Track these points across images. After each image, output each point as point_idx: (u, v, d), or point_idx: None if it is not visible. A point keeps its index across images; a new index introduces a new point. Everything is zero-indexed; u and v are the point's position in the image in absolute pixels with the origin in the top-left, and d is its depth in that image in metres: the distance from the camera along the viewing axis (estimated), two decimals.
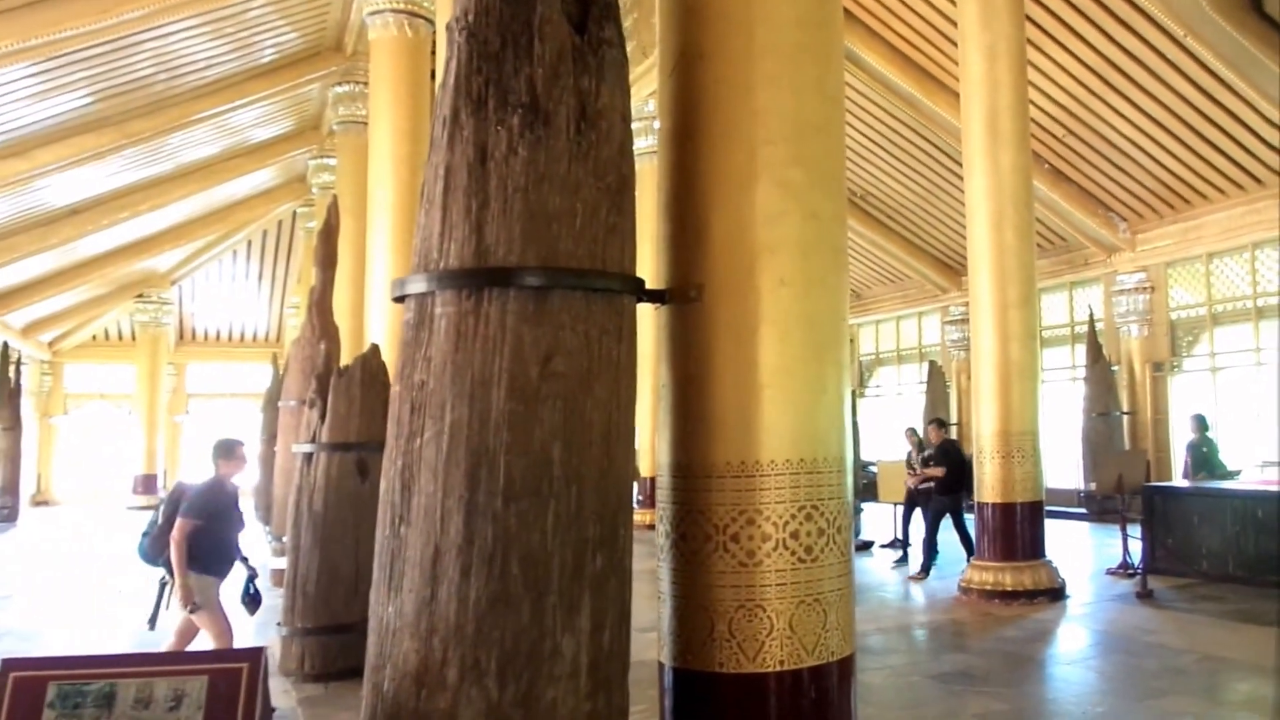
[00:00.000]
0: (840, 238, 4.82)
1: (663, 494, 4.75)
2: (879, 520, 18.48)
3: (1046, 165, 20.49)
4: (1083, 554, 16.27)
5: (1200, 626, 10.99)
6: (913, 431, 17.45)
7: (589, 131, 4.01)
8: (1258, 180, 18.70)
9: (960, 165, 13.98)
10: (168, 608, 8.12)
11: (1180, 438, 20.94)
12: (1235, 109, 17.18)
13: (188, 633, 8.11)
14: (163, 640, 8.13)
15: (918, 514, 15.60)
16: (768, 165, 4.53)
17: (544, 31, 3.98)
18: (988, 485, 12.72)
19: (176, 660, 4.40)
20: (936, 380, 25.60)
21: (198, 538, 7.79)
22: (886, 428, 27.84)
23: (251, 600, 8.47)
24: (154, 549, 8.13)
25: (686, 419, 4.63)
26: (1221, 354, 20.48)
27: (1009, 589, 12.31)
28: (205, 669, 4.17)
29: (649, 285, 4.42)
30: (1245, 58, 15.54)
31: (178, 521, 7.81)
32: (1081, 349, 22.27)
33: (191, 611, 7.83)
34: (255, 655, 4.30)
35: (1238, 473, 15.91)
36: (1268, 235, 19.02)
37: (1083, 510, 20.49)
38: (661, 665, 4.75)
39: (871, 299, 30.12)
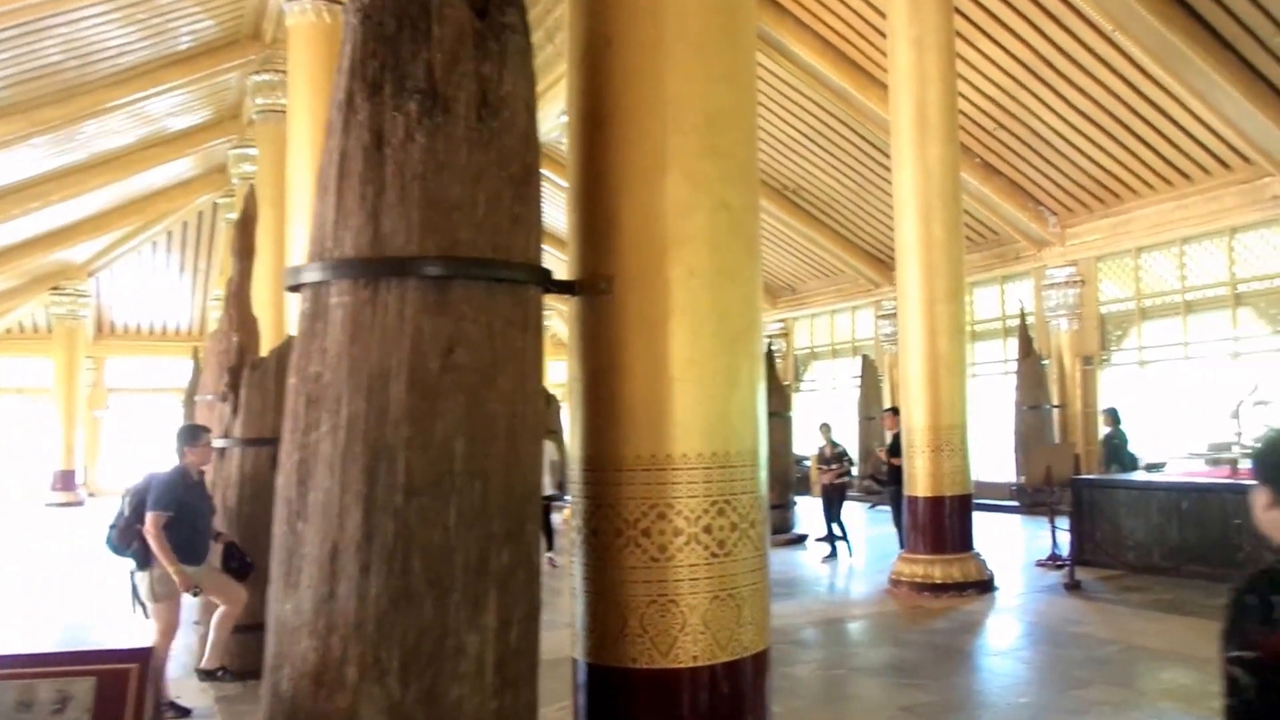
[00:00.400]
0: (752, 229, 4.76)
1: (575, 488, 4.68)
2: (814, 514, 18.50)
3: (977, 159, 20.59)
4: (1014, 546, 16.37)
5: (1124, 617, 11.07)
6: (826, 427, 17.23)
7: (491, 119, 3.91)
8: (1186, 176, 18.89)
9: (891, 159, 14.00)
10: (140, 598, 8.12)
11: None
12: (1164, 105, 17.33)
13: (169, 626, 8.15)
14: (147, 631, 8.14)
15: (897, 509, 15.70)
16: (677, 156, 4.46)
17: (442, 14, 3.87)
18: (917, 479, 12.76)
19: (61, 661, 4.23)
20: (870, 374, 25.67)
21: (169, 528, 7.78)
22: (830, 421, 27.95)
23: (239, 571, 8.51)
24: (121, 540, 8.07)
25: (597, 412, 4.55)
26: (1150, 347, 20.68)
27: (938, 582, 12.35)
28: (93, 670, 4.01)
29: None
30: (1173, 53, 15.67)
31: (148, 516, 7.77)
32: (1013, 343, 22.41)
33: (157, 601, 7.90)
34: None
35: (1160, 465, 16.03)
36: (1196, 230, 19.22)
37: (1015, 503, 20.59)
38: (575, 661, 4.68)
39: (805, 293, 30.20)
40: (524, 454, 3.99)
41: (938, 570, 12.41)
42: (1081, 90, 17.80)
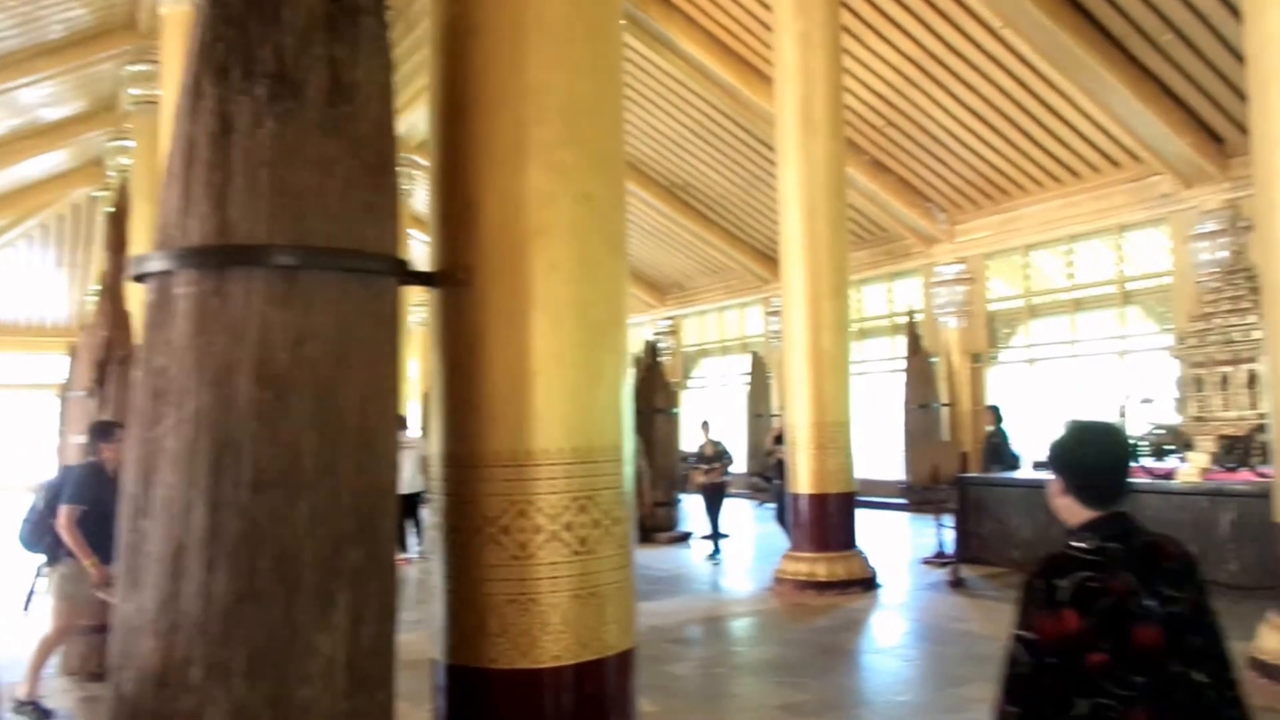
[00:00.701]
0: (617, 222, 4.70)
1: (435, 485, 4.59)
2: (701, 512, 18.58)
3: (867, 156, 20.75)
4: (900, 544, 16.54)
5: (1007, 614, 10.93)
6: (706, 425, 16.99)
7: (343, 104, 3.80)
8: (1075, 174, 19.15)
9: None
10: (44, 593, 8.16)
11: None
12: (1053, 102, 17.56)
13: (67, 626, 8.10)
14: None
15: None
16: (539, 145, 4.39)
17: None
18: (801, 476, 12.80)
19: None
20: (759, 372, 25.75)
21: (82, 524, 7.69)
22: (711, 419, 28.01)
23: None
24: (34, 535, 8.05)
25: (457, 407, 4.47)
26: (1038, 345, 20.97)
27: (822, 579, 12.41)
28: None
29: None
30: (1062, 50, 15.86)
31: (61, 509, 7.70)
32: (902, 340, 22.47)
33: (62, 599, 7.94)
34: None
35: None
36: (1084, 228, 19.51)
37: (903, 501, 20.78)
38: (435, 662, 4.59)
39: (694, 290, 30.27)
40: (378, 450, 3.89)
41: (821, 568, 12.47)
42: (971, 87, 17.99)
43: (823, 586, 12.37)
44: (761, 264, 26.32)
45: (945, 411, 21.36)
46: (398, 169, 4.04)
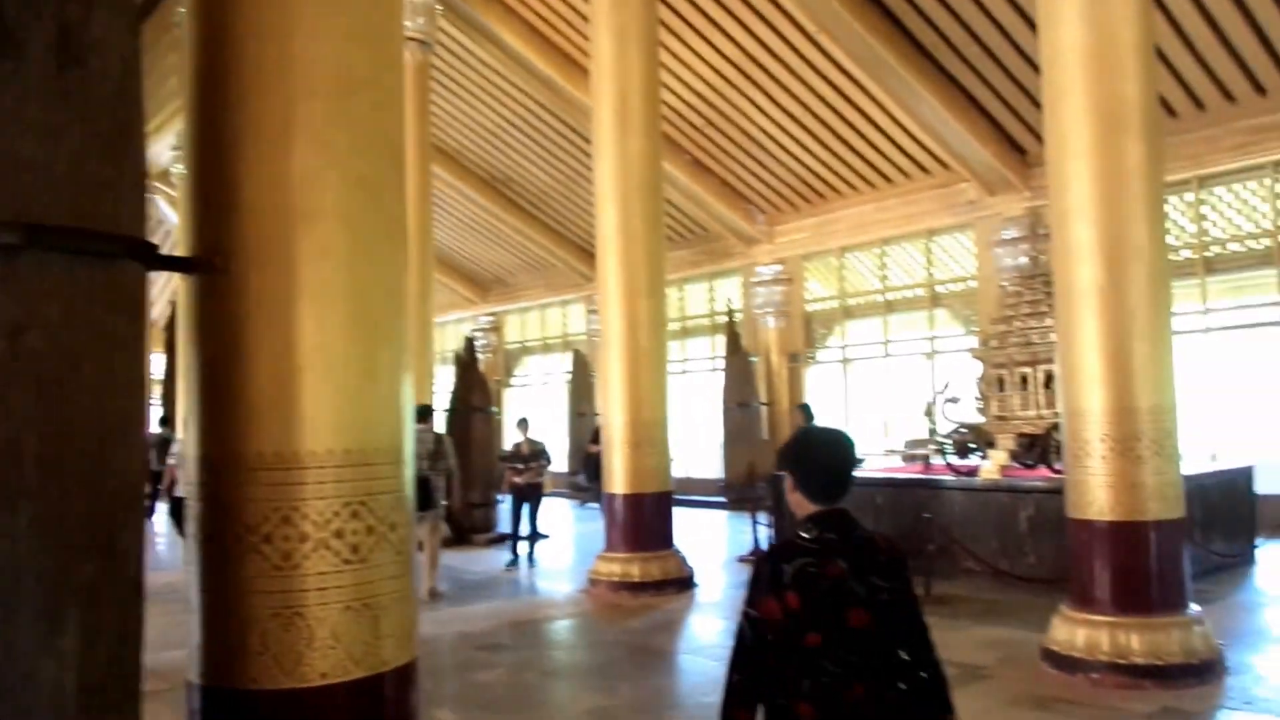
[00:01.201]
0: (397, 207, 4.35)
1: (190, 490, 4.19)
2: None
3: (688, 156, 20.72)
4: (718, 542, 16.44)
5: None
6: (524, 423, 16.10)
7: (75, 68, 3.40)
8: (887, 179, 19.46)
9: None
10: None
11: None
12: (866, 108, 17.76)
13: None
14: None
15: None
16: (306, 122, 4.00)
17: None
18: (616, 476, 12.58)
19: None
20: (581, 369, 25.54)
21: None
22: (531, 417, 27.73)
23: None
24: None
25: (214, 405, 4.06)
26: (853, 345, 21.19)
27: (637, 580, 12.21)
28: None
29: None
30: (874, 58, 16.01)
31: None
32: (723, 339, 22.56)
33: None
34: None
35: (859, 461, 16.34)
36: (896, 232, 19.79)
37: (723, 499, 20.78)
38: (189, 684, 4.18)
39: (516, 286, 29.91)
40: (119, 454, 3.48)
41: (636, 568, 12.28)
42: (788, 91, 18.05)
43: (638, 587, 12.17)
44: (584, 261, 26.08)
45: (764, 410, 21.47)
46: (143, 141, 3.63)
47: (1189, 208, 16.30)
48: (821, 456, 3.41)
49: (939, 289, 19.56)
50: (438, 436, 13.71)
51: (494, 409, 19.71)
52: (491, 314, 30.61)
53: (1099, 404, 8.15)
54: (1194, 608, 8.22)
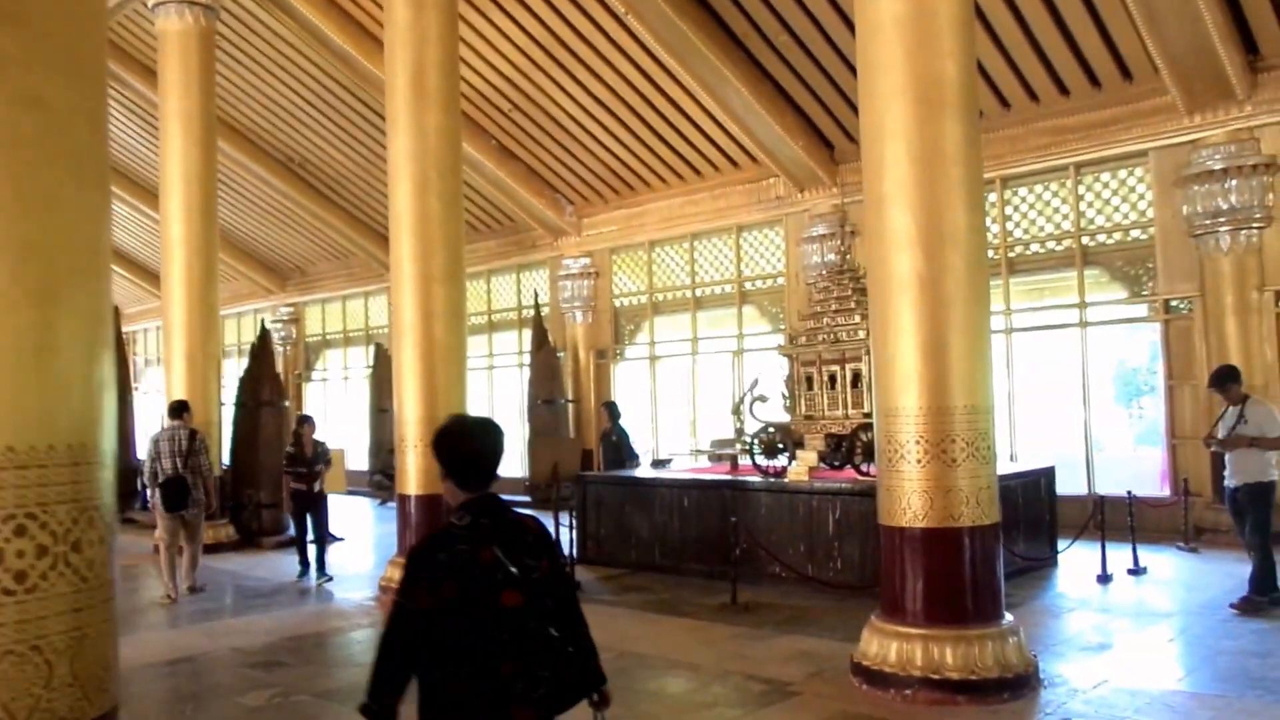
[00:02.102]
0: (91, 143, 3.47)
1: None
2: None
3: (494, 141, 19.99)
4: None
5: (620, 620, 10.58)
6: (307, 422, 14.10)
7: None
8: (697, 172, 19.06)
9: None
10: None
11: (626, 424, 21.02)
12: (676, 97, 17.28)
13: None
14: None
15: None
16: None
17: None
18: (410, 476, 11.79)
19: None
20: (383, 363, 24.30)
21: None
22: (334, 413, 26.75)
23: None
24: None
25: None
26: (662, 342, 20.70)
27: None
28: None
29: None
30: (684, 44, 15.50)
31: None
32: (530, 334, 21.73)
33: None
34: None
35: (666, 461, 15.88)
36: (705, 226, 19.39)
37: (527, 499, 20.02)
38: None
39: (316, 276, 28.64)
40: None
41: None
42: (597, 75, 17.46)
43: None
44: (385, 250, 24.88)
45: (571, 408, 20.83)
46: None
47: (992, 208, 16.18)
48: (469, 446, 3.64)
49: (748, 285, 19.18)
50: (191, 433, 12.75)
51: (286, 403, 18.63)
52: (291, 304, 29.14)
53: (914, 403, 7.68)
54: (1008, 617, 7.84)
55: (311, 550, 13.37)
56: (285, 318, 28.90)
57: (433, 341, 11.72)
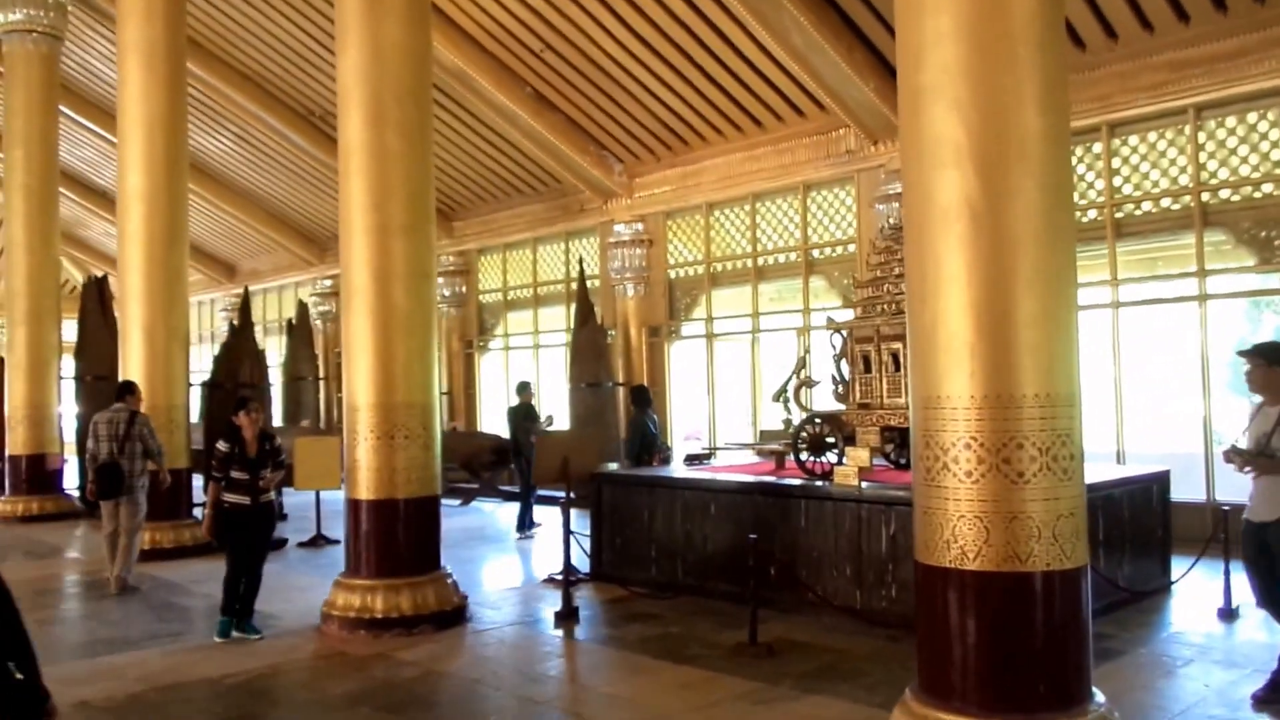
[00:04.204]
0: None
1: None
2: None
3: (529, 88, 17.68)
4: (537, 553, 13.55)
5: (604, 665, 8.57)
6: (250, 405, 9.90)
7: None
8: (757, 122, 16.66)
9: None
10: None
11: (680, 411, 18.75)
12: (731, 34, 14.97)
13: None
14: None
15: None
16: None
17: None
18: (360, 476, 9.60)
19: None
20: None
21: None
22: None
23: None
24: None
25: None
26: (720, 318, 18.31)
27: (379, 615, 9.27)
28: None
29: None
30: None
31: None
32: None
33: None
34: None
35: (706, 456, 13.55)
36: (768, 185, 16.99)
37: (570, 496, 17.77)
38: None
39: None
40: None
41: (380, 599, 9.31)
42: (640, 9, 15.05)
43: (380, 625, 9.21)
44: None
45: (620, 391, 18.42)
46: None
47: (1097, 160, 13.59)
48: None
49: (815, 253, 16.73)
50: (132, 415, 11.41)
51: (270, 386, 16.54)
52: (331, 277, 26.63)
53: (964, 390, 5.31)
54: (1098, 698, 5.44)
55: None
56: (327, 290, 26.51)
57: (390, 308, 9.56)
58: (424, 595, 9.44)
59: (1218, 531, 9.42)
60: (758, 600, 8.54)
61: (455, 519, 16.60)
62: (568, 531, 10.36)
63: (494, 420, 21.63)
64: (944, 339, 5.35)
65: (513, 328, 22.31)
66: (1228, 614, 9.01)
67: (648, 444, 13.67)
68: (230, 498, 9.33)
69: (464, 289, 22.92)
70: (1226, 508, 9.56)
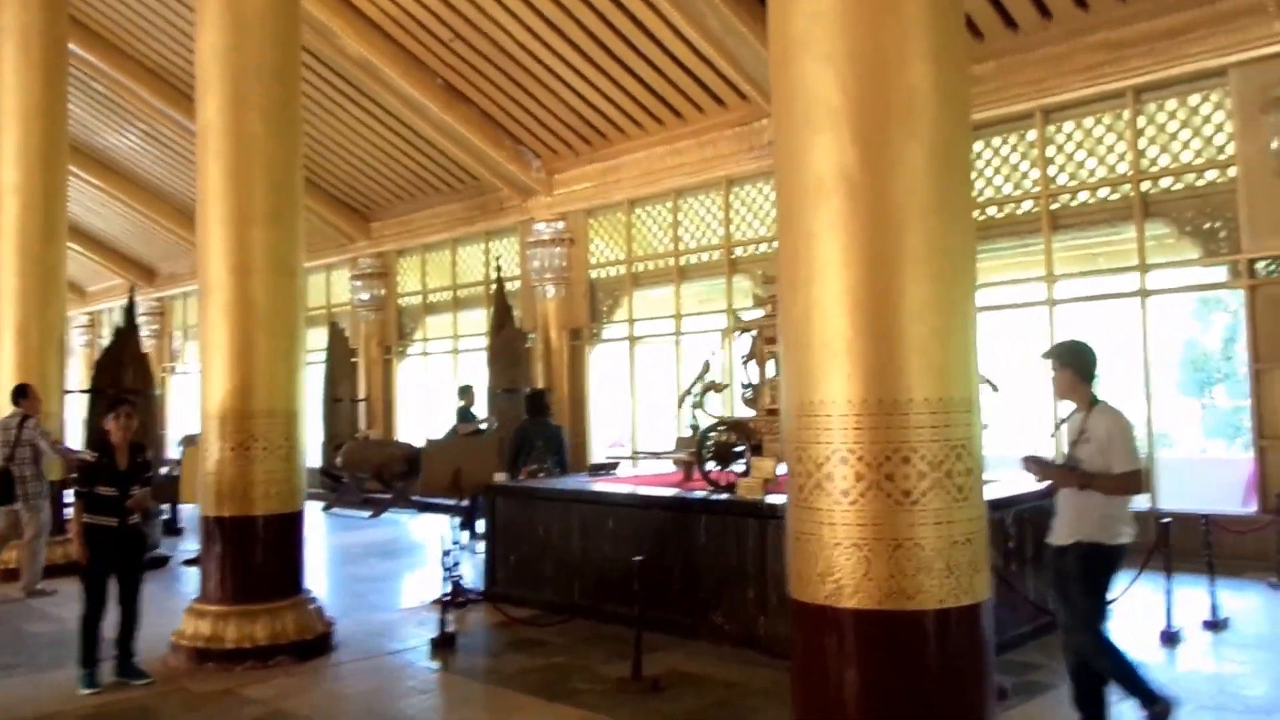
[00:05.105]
0: None
1: None
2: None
3: (439, 80, 16.79)
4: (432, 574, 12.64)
5: (471, 702, 7.71)
6: (122, 410, 8.47)
7: None
8: (677, 114, 15.86)
9: None
10: None
11: (602, 417, 17.94)
12: (646, 20, 14.15)
13: None
14: None
15: None
16: None
17: None
18: (210, 490, 8.72)
19: None
20: (339, 345, 21.11)
21: None
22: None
23: None
24: None
25: None
26: (642, 320, 17.51)
27: (230, 646, 8.33)
28: None
29: None
30: None
31: None
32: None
33: None
34: None
35: (610, 466, 12.71)
36: (690, 181, 16.20)
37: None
38: None
39: None
40: None
41: (231, 628, 8.38)
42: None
43: (232, 657, 8.28)
44: (344, 216, 21.96)
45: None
46: None
47: (1030, 148, 12.96)
48: None
49: (738, 251, 15.97)
50: (22, 419, 11.35)
51: (156, 391, 15.62)
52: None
53: (841, 394, 4.50)
54: None
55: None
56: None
57: (249, 304, 8.69)
58: (282, 623, 8.53)
59: (1159, 543, 8.67)
60: (646, 628, 7.73)
61: (363, 532, 15.81)
62: (449, 549, 9.52)
63: (413, 429, 20.74)
64: (818, 333, 4.53)
65: (431, 332, 21.41)
66: (1170, 638, 8.29)
67: (525, 455, 12.44)
68: (92, 518, 7.99)
69: (383, 292, 21.99)
70: (1168, 520, 8.82)
